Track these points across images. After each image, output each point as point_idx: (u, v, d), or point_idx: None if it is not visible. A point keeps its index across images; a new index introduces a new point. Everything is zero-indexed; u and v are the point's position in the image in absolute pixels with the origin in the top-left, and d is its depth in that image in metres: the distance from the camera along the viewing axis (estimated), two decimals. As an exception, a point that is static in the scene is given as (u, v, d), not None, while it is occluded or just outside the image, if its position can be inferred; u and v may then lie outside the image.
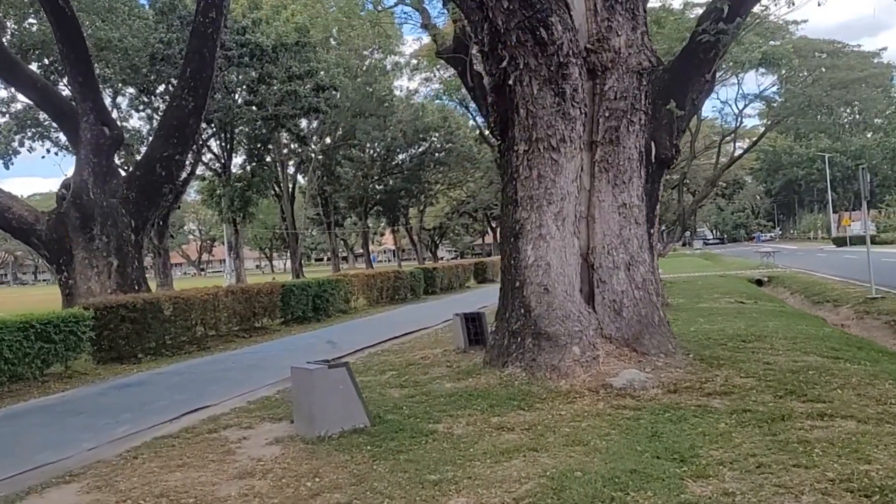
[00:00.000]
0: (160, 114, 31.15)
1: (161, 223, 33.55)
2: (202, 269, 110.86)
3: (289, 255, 68.43)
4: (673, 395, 7.54)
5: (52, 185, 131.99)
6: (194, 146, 39.02)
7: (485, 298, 25.63)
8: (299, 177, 59.68)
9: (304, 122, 50.23)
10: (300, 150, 53.41)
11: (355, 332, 17.42)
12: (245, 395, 9.81)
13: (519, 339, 8.87)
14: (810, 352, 9.22)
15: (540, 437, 6.51)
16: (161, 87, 34.23)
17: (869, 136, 74.95)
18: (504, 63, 8.63)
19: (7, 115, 32.01)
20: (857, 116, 71.68)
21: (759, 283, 26.85)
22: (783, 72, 51.14)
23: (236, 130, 43.71)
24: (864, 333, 13.97)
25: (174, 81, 25.67)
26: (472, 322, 12.48)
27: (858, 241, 61.08)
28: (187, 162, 41.80)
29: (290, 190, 56.71)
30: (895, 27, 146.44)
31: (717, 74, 18.79)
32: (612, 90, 8.99)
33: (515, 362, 8.79)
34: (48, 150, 33.68)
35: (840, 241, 63.31)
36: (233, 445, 6.99)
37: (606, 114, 9.05)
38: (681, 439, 6.04)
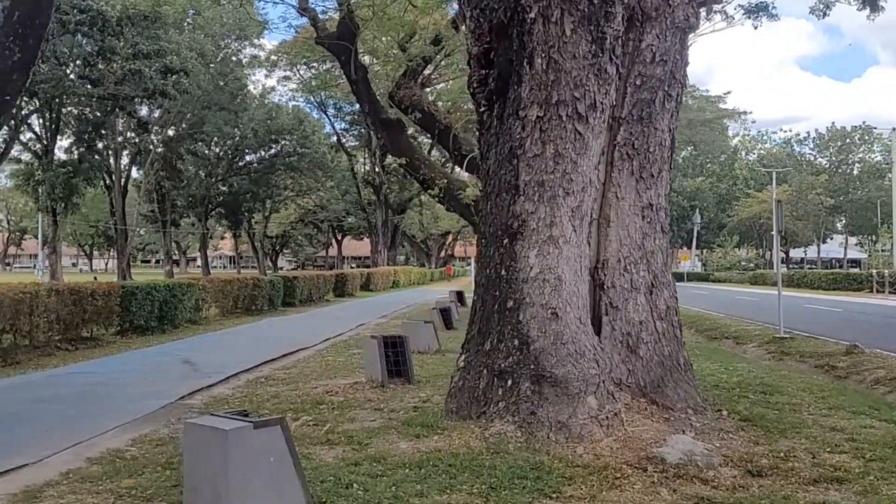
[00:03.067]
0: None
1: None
2: (7, 265, 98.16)
3: (112, 254, 60.86)
4: (759, 479, 5.22)
5: None
6: (11, 121, 33.17)
7: (355, 315, 22.70)
8: (134, 169, 53.60)
9: (145, 110, 45.37)
10: (139, 140, 47.89)
11: (216, 350, 14.01)
12: (80, 448, 6.49)
13: (508, 381, 6.23)
14: (856, 412, 7.29)
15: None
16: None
17: (699, 179, 79.29)
18: (525, -12, 6.05)
19: None
20: (697, 160, 75.58)
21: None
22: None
23: (64, 110, 38.09)
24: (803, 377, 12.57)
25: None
26: (392, 348, 9.79)
27: (694, 277, 64.27)
28: (0, 137, 35.72)
29: (123, 182, 50.67)
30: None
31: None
32: (651, 49, 6.64)
33: (504, 416, 6.14)
34: None
35: (678, 277, 65.81)
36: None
37: (638, 81, 6.68)
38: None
